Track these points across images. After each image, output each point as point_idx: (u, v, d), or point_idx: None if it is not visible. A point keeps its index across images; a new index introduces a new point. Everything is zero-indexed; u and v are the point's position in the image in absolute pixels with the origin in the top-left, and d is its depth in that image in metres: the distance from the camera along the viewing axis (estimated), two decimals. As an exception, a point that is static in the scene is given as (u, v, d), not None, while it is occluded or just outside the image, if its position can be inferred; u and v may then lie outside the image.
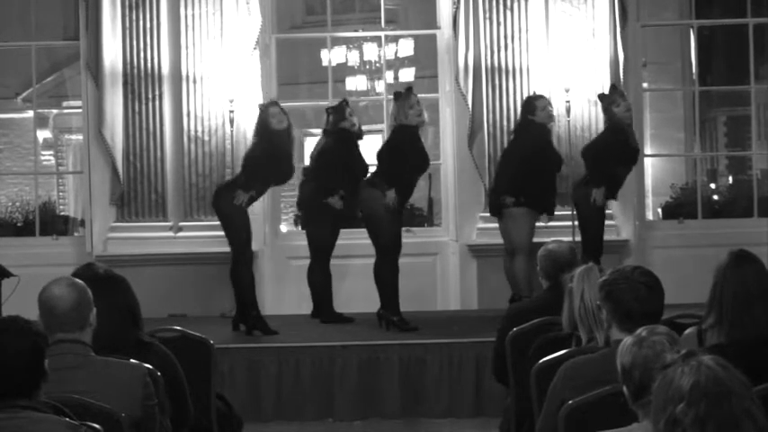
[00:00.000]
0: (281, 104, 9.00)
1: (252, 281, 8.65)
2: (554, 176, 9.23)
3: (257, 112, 8.97)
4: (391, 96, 9.25)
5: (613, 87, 9.54)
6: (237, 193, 8.48)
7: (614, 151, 9.10)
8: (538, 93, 9.68)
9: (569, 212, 9.63)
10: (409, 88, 8.99)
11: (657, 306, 3.90)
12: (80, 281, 4.03)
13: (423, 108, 8.76)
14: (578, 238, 9.25)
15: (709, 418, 2.52)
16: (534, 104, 9.26)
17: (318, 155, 9.12)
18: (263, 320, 8.59)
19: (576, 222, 9.38)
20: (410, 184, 8.76)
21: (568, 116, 9.92)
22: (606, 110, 9.27)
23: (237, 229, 8.57)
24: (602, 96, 9.43)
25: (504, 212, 9.18)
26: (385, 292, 8.62)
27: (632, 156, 9.25)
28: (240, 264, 8.57)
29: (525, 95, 9.92)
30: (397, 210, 8.62)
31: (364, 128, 9.31)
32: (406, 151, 8.60)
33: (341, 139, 8.96)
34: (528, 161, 9.02)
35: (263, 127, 8.73)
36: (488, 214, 9.88)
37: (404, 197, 8.71)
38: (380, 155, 8.80)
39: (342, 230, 9.23)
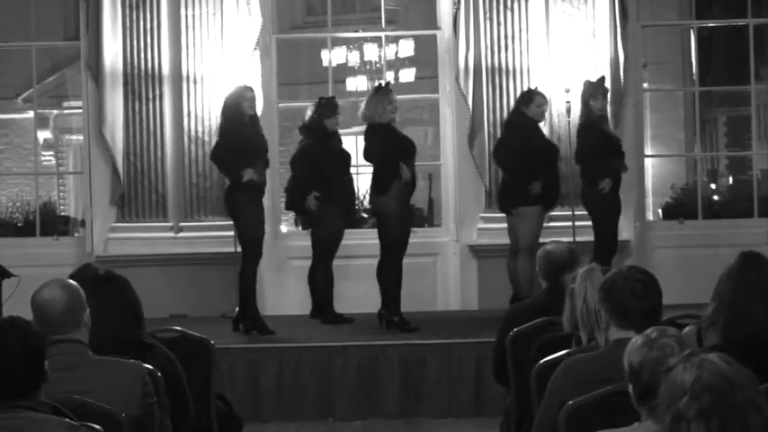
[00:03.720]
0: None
1: (253, 280, 8.62)
2: (555, 168, 9.23)
3: (231, 91, 8.85)
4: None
5: (602, 79, 9.47)
6: (245, 171, 8.43)
7: (598, 145, 9.14)
8: (539, 89, 9.62)
9: (569, 212, 9.64)
10: (388, 83, 9.05)
11: (654, 304, 3.91)
12: (72, 282, 4.02)
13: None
14: (578, 239, 9.24)
15: (713, 411, 2.52)
16: (532, 98, 9.23)
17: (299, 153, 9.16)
18: (260, 320, 8.59)
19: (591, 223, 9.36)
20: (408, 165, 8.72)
21: (568, 116, 9.91)
22: (585, 102, 9.27)
23: (248, 226, 8.54)
24: (586, 84, 9.39)
25: (513, 211, 9.16)
26: (387, 291, 8.61)
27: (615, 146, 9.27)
28: (248, 261, 8.57)
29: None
30: (410, 190, 8.59)
31: (363, 128, 9.29)
32: (392, 146, 8.56)
33: (318, 137, 9.00)
34: (527, 155, 9.00)
35: (232, 106, 8.64)
36: (489, 214, 9.90)
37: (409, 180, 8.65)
38: (370, 156, 8.79)
39: (344, 231, 9.22)
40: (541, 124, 9.33)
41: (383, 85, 8.94)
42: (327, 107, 9.15)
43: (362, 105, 8.82)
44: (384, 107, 8.60)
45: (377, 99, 8.66)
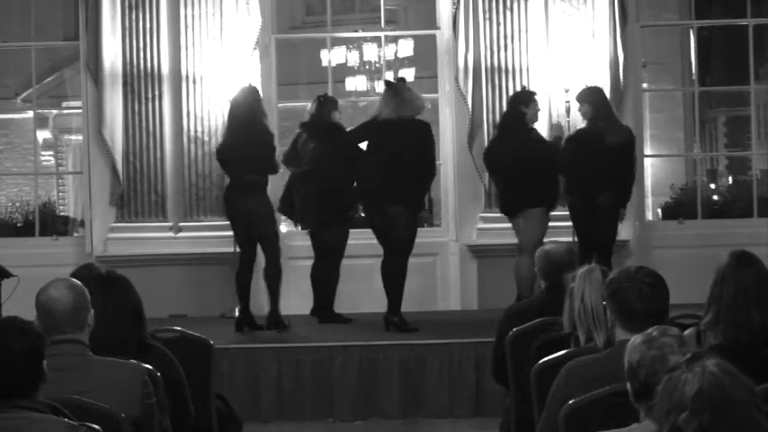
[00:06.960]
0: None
1: (246, 280, 8.66)
2: (554, 167, 9.20)
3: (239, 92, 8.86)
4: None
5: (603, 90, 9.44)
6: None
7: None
8: (531, 89, 9.58)
9: (569, 212, 9.63)
10: (402, 79, 9.04)
11: (661, 306, 3.90)
12: (78, 282, 4.02)
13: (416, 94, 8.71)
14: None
15: (711, 427, 2.53)
16: (531, 99, 9.10)
17: (318, 156, 9.04)
18: (250, 315, 8.61)
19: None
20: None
21: (568, 116, 9.90)
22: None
23: (237, 227, 8.61)
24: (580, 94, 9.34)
25: (519, 212, 9.13)
26: (392, 292, 8.57)
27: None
28: (244, 261, 8.64)
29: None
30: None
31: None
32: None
33: (340, 136, 8.97)
34: (526, 157, 9.00)
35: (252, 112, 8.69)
36: (488, 214, 9.89)
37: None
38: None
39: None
40: (536, 125, 9.29)
41: (391, 82, 8.89)
42: (331, 102, 9.18)
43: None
44: (390, 105, 8.57)
45: (383, 98, 8.66)
